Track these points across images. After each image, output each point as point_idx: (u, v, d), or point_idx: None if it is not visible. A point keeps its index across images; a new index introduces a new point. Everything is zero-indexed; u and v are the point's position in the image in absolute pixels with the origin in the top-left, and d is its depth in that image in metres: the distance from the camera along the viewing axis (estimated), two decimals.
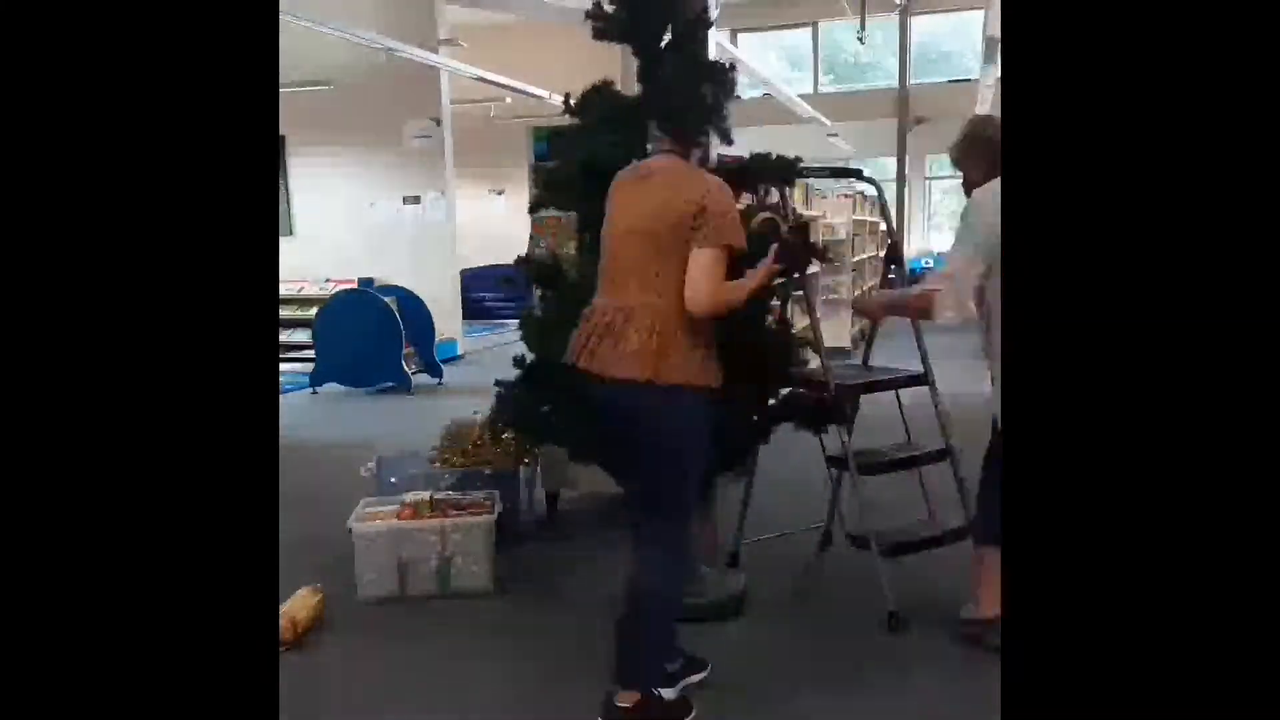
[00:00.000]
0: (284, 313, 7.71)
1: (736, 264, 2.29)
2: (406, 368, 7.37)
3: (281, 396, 6.68)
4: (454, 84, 8.84)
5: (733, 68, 2.59)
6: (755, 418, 2.97)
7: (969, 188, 2.61)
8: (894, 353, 3.48)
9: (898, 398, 3.36)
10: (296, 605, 2.86)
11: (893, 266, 3.87)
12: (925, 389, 3.19)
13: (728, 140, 2.55)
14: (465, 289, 9.71)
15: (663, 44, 2.71)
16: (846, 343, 7.83)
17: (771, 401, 3.06)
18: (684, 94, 2.41)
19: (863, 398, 3.18)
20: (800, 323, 4.16)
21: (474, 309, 10.93)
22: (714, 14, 3.19)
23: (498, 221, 11.45)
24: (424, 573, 3.12)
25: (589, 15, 2.78)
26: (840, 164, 7.44)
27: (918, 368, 3.23)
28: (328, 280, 8.39)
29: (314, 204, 8.95)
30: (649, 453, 2.27)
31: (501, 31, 10.03)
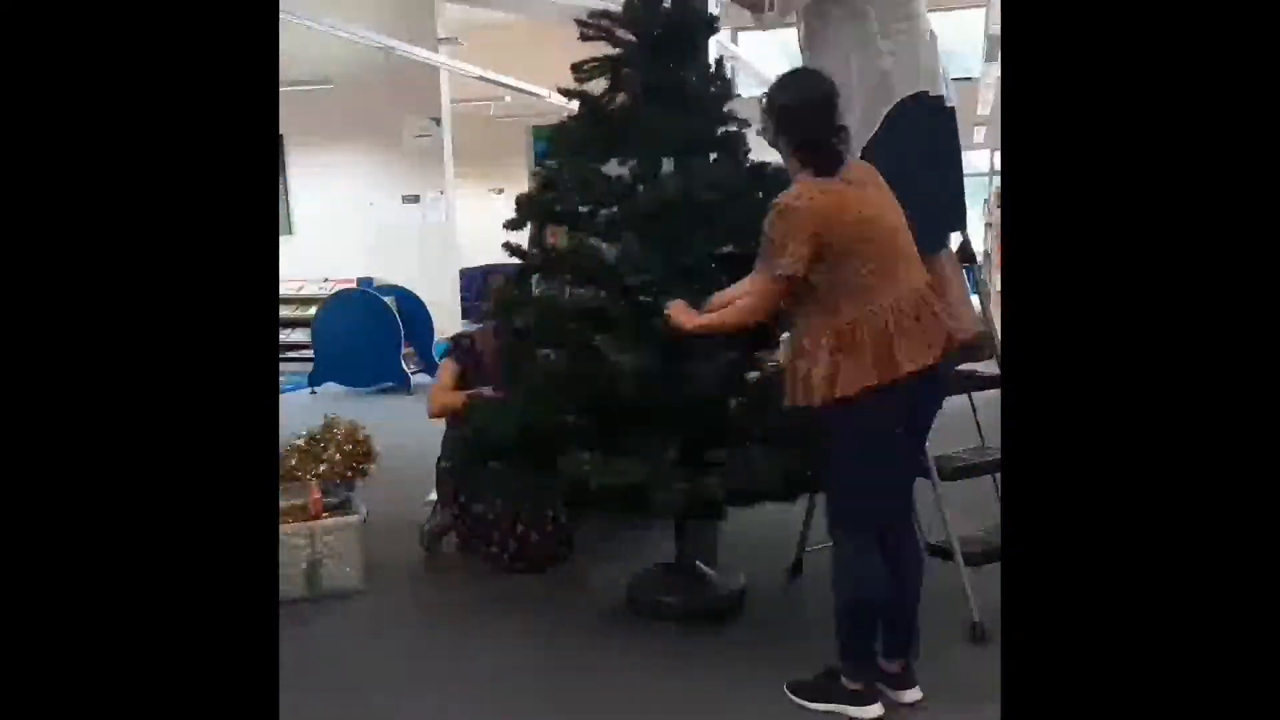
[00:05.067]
0: (283, 312, 7.69)
1: None
2: (406, 367, 7.36)
3: (281, 396, 6.66)
4: (454, 83, 8.81)
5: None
6: None
7: None
8: None
9: (970, 400, 3.24)
10: None
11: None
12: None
13: None
14: (465, 288, 9.68)
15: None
16: None
17: None
18: None
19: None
20: None
21: (473, 309, 10.88)
22: (714, 13, 3.17)
23: (498, 221, 11.35)
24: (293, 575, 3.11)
25: (581, 25, 2.79)
26: None
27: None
28: (326, 280, 8.37)
29: (313, 203, 8.93)
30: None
31: (501, 31, 10.01)
